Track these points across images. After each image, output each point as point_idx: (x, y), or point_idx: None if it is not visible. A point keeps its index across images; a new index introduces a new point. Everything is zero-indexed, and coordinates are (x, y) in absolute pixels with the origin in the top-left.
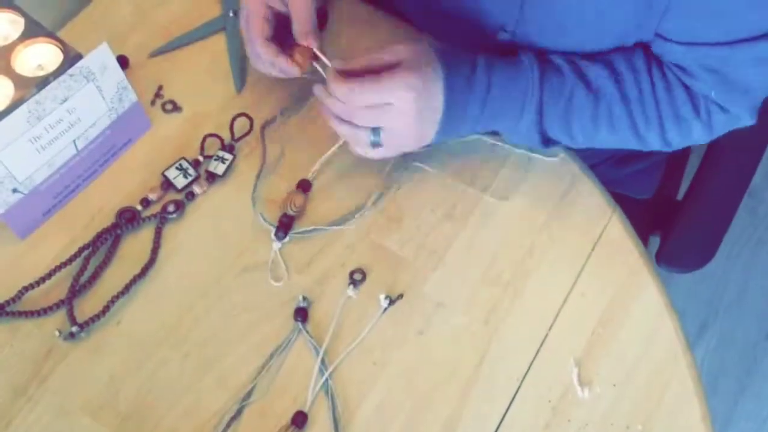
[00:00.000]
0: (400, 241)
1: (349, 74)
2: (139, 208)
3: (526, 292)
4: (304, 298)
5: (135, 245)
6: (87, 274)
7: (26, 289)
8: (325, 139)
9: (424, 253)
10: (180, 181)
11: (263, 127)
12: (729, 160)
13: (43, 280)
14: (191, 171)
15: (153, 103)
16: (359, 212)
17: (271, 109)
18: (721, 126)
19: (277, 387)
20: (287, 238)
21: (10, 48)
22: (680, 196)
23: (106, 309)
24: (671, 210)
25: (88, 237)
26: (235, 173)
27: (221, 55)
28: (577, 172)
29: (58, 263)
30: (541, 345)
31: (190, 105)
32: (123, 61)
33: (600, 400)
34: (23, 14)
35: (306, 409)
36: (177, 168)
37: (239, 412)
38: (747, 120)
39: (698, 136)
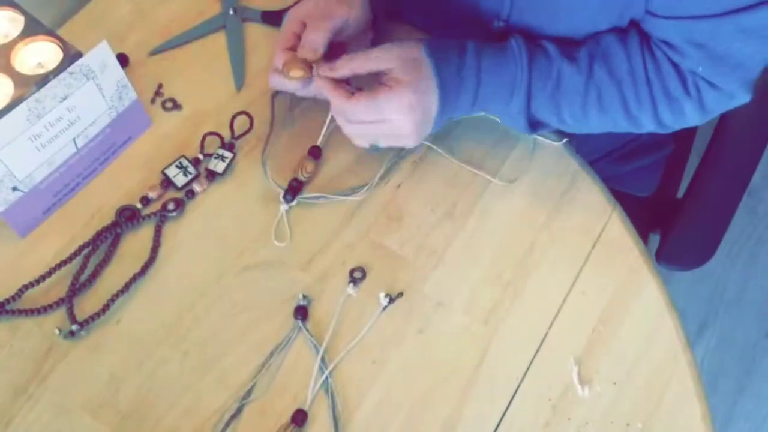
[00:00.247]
0: (400, 240)
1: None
2: (139, 206)
3: (526, 291)
4: (304, 297)
5: (135, 244)
6: (87, 272)
7: (26, 287)
8: None
9: (424, 253)
10: (180, 180)
11: (273, 96)
12: (729, 159)
13: (43, 278)
14: (191, 169)
15: (153, 101)
16: (368, 186)
17: (271, 107)
18: (714, 104)
19: (277, 385)
20: (294, 202)
21: (9, 46)
22: (680, 194)
23: (106, 307)
24: (671, 208)
25: (88, 235)
26: (235, 171)
27: (221, 54)
28: (577, 168)
29: (58, 261)
30: (541, 343)
31: (190, 103)
32: (123, 60)
33: (600, 399)
34: (23, 12)
35: (306, 408)
36: (177, 166)
37: (239, 410)
38: (742, 97)
39: (691, 115)
